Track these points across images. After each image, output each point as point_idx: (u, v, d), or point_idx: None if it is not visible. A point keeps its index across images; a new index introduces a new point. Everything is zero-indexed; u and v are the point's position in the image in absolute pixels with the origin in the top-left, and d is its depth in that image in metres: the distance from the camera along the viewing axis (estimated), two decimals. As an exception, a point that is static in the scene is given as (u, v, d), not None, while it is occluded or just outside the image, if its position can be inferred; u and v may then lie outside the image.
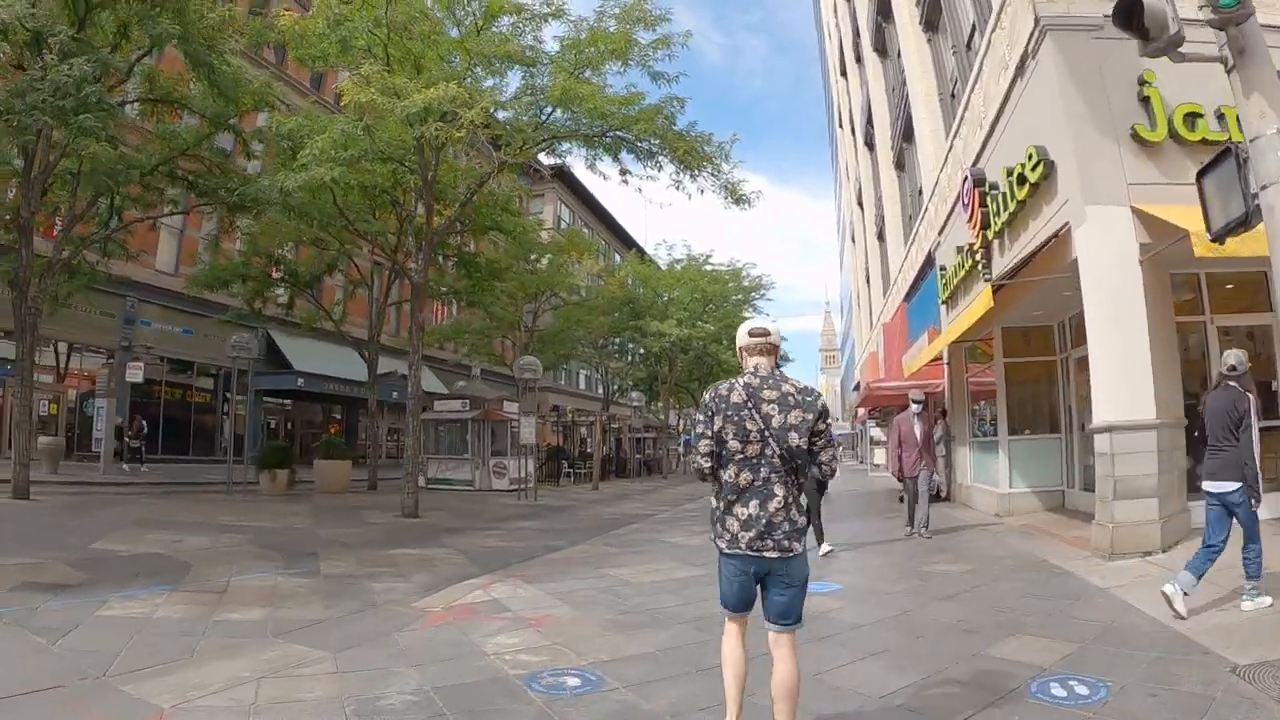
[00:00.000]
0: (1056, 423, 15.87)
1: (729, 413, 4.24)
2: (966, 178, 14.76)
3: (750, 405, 4.22)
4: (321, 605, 8.46)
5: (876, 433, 43.45)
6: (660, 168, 19.30)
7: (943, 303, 18.97)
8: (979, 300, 11.30)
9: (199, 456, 33.29)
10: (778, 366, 4.47)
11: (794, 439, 4.18)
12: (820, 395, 4.44)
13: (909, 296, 26.00)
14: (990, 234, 13.99)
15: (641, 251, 56.34)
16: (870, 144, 36.62)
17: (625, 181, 19.97)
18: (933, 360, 18.78)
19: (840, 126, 52.91)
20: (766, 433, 4.18)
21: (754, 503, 4.16)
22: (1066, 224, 10.65)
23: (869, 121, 34.87)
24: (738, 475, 4.21)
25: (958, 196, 16.12)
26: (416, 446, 19.31)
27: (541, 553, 12.70)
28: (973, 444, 18.53)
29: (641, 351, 48.97)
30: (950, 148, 18.10)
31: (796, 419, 4.20)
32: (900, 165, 29.24)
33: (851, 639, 6.70)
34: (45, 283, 18.27)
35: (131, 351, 30.52)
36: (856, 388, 52.30)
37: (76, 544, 11.63)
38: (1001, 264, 13.82)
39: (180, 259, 32.59)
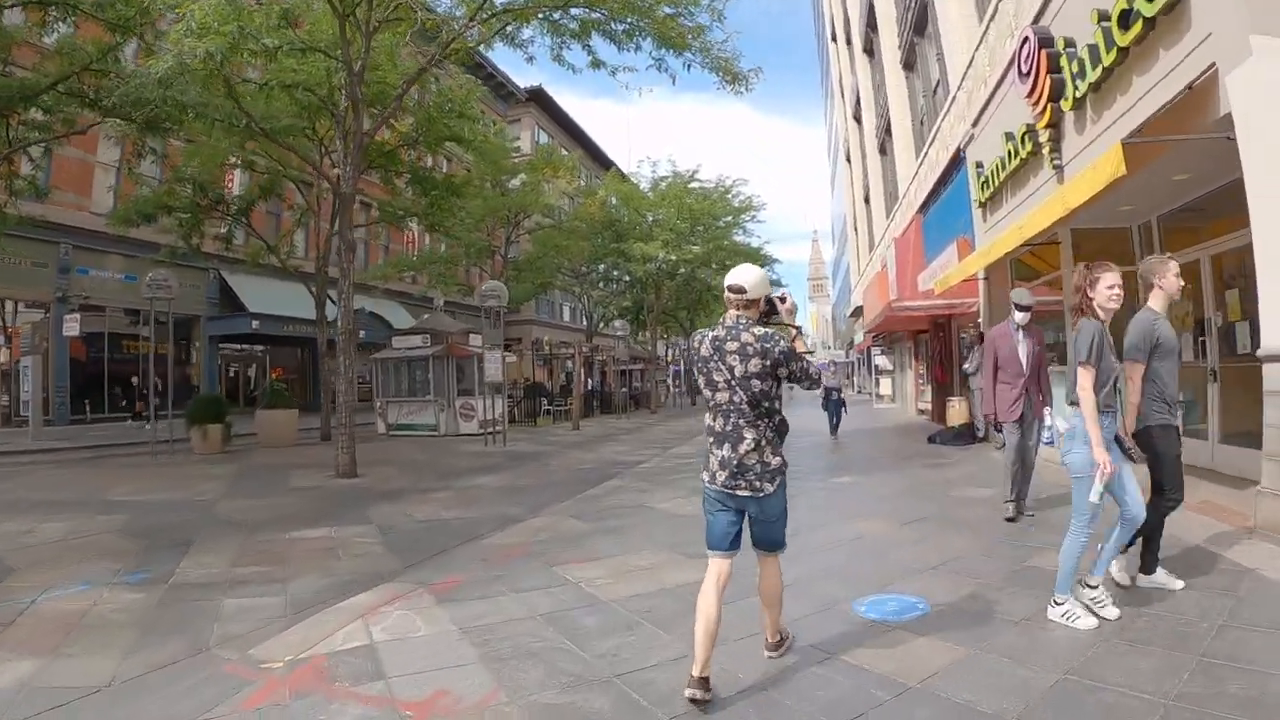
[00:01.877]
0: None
1: (699, 365, 4.54)
2: (1026, 39, 11.61)
3: (716, 357, 4.45)
4: (122, 651, 5.47)
5: (882, 361, 40.47)
6: (638, 48, 15.93)
7: (980, 205, 15.91)
8: (1100, 169, 7.89)
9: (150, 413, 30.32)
10: (767, 315, 4.64)
11: (756, 386, 4.38)
12: (780, 340, 4.50)
13: (924, 207, 22.96)
14: (1066, 105, 10.88)
15: (621, 171, 52.66)
16: (870, 50, 34.02)
17: (597, 69, 16.73)
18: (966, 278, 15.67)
19: (834, 40, 49.68)
20: (733, 381, 4.39)
21: (727, 445, 4.44)
22: (1212, 66, 7.45)
23: (870, 24, 32.03)
24: (714, 420, 4.53)
25: (1009, 67, 13.02)
26: (350, 391, 16.05)
27: (487, 529, 9.69)
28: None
29: (626, 278, 45.46)
30: (993, 15, 14.82)
31: (756, 367, 4.37)
32: (909, 65, 26.31)
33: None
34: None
35: (69, 303, 27.36)
36: (856, 314, 49.26)
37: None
38: (1080, 143, 10.75)
39: (118, 199, 29.26)
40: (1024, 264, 15.11)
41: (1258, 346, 8.64)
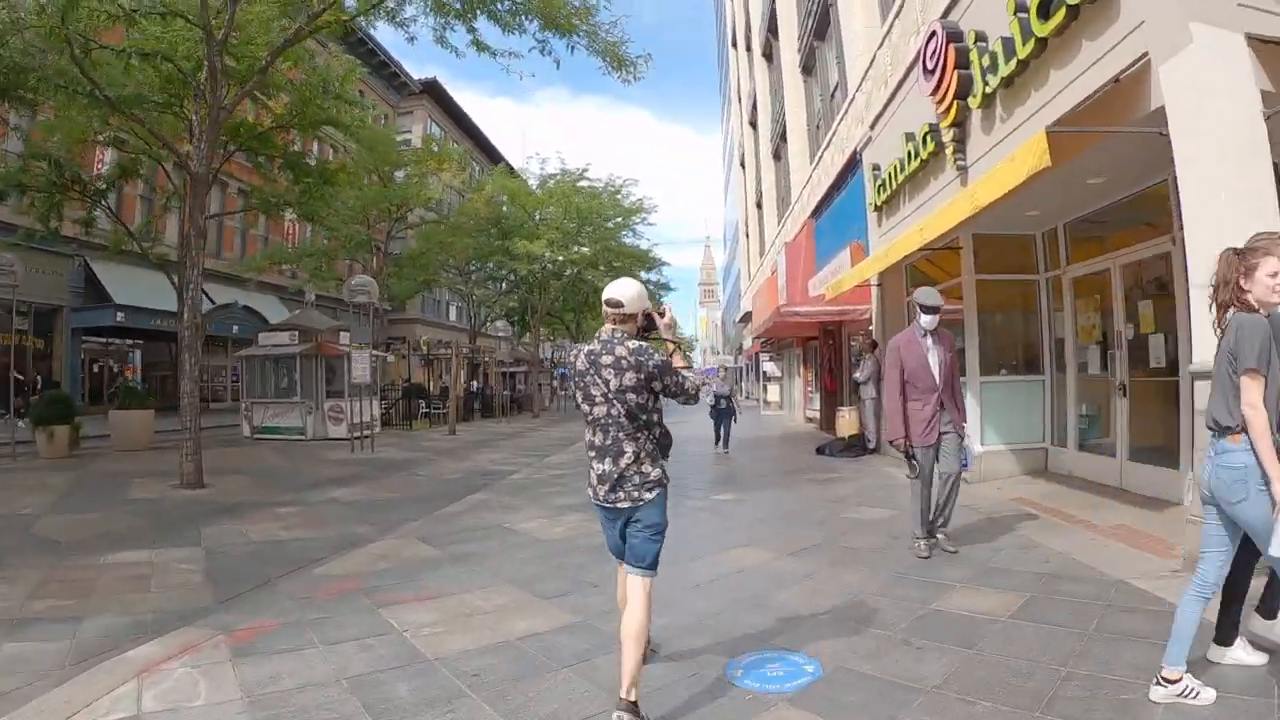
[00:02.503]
0: (1036, 362, 12.25)
1: (577, 379, 4.47)
2: (934, 33, 10.91)
3: (593, 371, 4.38)
4: None
5: (770, 367, 39.91)
6: (523, 30, 14.85)
7: (875, 209, 15.26)
8: (1020, 160, 6.93)
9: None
10: (646, 330, 4.61)
11: (632, 399, 4.32)
12: (655, 354, 4.45)
13: (817, 212, 22.35)
14: (974, 102, 10.17)
15: (511, 166, 51.11)
16: (769, 55, 33.93)
17: (481, 53, 15.56)
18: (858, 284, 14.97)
19: (734, 46, 49.60)
20: (610, 395, 4.32)
21: (607, 459, 4.35)
22: (1144, 56, 6.71)
23: (770, 29, 31.80)
24: (593, 435, 4.44)
25: (913, 64, 12.43)
26: (195, 391, 14.57)
27: (326, 554, 8.54)
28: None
29: (511, 277, 43.97)
30: (898, 12, 14.13)
31: (631, 380, 4.31)
32: (808, 69, 25.94)
33: None
34: None
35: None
36: (744, 319, 48.77)
37: None
38: (988, 142, 10.05)
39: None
40: (920, 271, 14.48)
41: (1171, 360, 8.07)
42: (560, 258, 37.95)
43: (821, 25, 22.55)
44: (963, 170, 10.91)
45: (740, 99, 47.33)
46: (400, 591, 6.82)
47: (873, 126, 15.60)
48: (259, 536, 9.77)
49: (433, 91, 54.65)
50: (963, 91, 10.34)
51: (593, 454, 4.41)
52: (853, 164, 17.80)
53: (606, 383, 4.31)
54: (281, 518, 11.14)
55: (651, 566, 4.34)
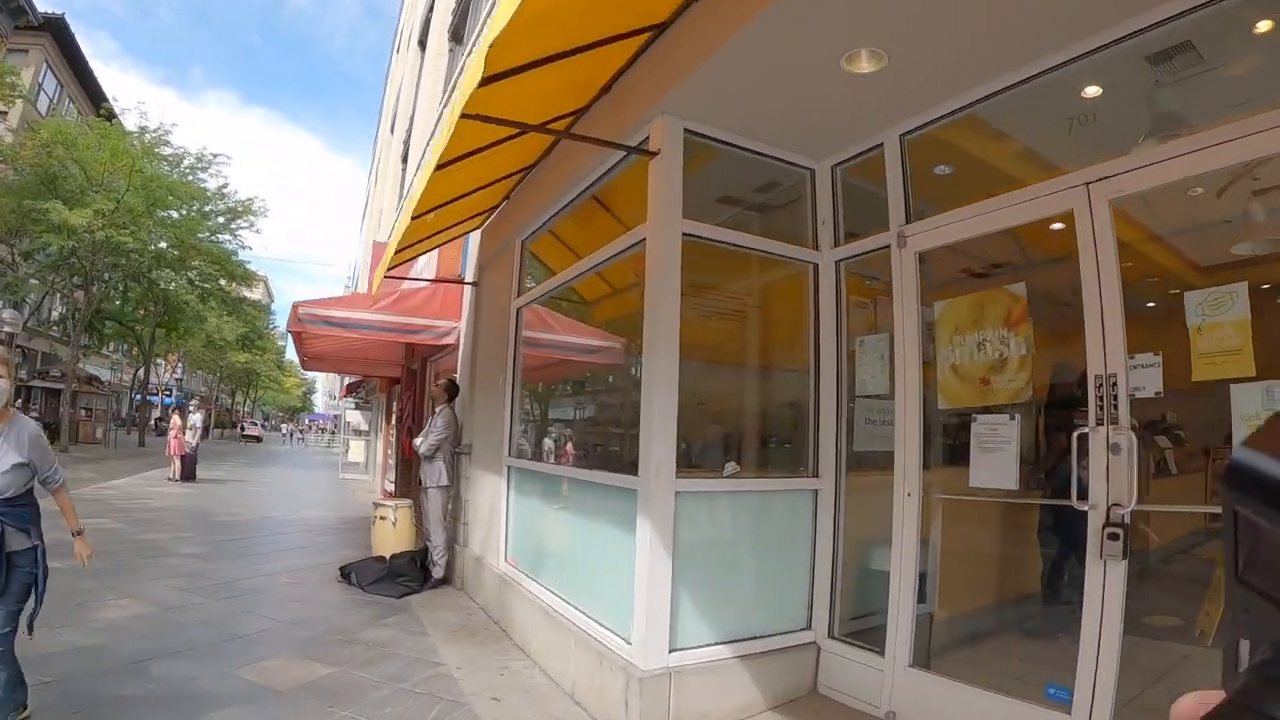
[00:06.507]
0: (802, 449, 5.74)
1: None
2: None
3: None
4: None
5: (356, 417, 31.81)
6: None
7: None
8: None
9: None
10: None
11: None
12: None
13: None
14: None
15: (101, 114, 37.71)
16: (424, 42, 28.13)
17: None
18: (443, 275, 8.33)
19: (397, 52, 43.07)
20: None
21: None
22: None
23: (431, 6, 26.25)
24: None
25: None
26: None
27: None
28: (521, 473, 7.96)
29: (52, 256, 32.80)
30: None
31: None
32: (458, 35, 20.70)
33: None
34: None
35: None
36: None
37: None
38: None
39: None
40: (539, 260, 7.96)
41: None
42: (107, 235, 28.69)
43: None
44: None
45: (389, 111, 41.17)
46: None
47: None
48: None
49: (56, 31, 41.10)
50: None
51: None
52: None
53: None
54: None
55: None
